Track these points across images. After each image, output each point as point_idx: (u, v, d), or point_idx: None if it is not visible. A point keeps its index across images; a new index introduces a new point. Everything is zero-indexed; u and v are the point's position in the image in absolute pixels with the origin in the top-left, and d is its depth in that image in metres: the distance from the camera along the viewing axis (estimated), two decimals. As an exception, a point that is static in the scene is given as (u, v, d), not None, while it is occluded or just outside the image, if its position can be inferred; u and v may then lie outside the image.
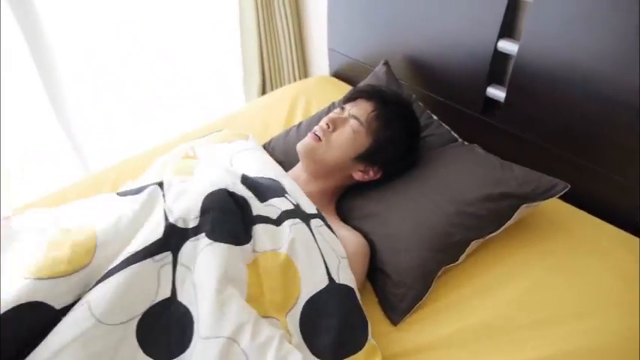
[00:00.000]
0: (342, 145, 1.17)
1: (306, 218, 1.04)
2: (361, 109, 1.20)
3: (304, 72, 2.15)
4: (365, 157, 1.18)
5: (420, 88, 1.60)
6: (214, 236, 0.91)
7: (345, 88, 1.67)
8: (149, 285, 0.85)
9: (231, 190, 1.00)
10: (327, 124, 1.18)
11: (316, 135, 1.18)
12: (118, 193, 1.03)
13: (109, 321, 0.81)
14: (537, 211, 1.22)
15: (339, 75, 1.92)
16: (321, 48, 1.98)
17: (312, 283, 0.95)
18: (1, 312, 0.76)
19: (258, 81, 2.11)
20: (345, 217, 1.23)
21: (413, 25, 1.52)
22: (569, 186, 1.13)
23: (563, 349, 0.96)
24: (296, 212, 1.04)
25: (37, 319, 0.79)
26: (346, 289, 0.98)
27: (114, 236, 0.89)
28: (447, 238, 1.10)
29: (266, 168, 1.19)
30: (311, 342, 0.91)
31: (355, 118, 1.18)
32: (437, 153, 1.31)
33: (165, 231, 0.89)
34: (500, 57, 1.35)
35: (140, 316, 0.83)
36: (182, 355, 0.83)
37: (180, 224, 0.91)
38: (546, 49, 1.22)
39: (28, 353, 0.77)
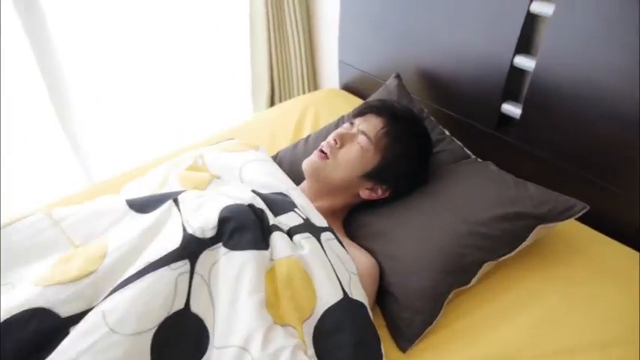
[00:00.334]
0: (350, 163, 1.14)
1: (316, 232, 1.02)
2: (371, 124, 1.17)
3: (314, 84, 2.14)
4: (373, 176, 1.15)
5: (432, 102, 1.57)
6: (232, 245, 0.91)
7: (355, 102, 1.66)
8: (166, 293, 0.84)
9: (249, 202, 1.00)
10: (335, 140, 1.16)
11: (323, 152, 1.16)
12: (128, 202, 1.02)
13: (123, 331, 0.79)
14: (553, 232, 1.17)
15: (349, 88, 1.89)
16: (332, 60, 1.96)
17: (327, 294, 0.92)
18: (3, 319, 0.78)
19: (267, 92, 2.09)
20: (352, 235, 1.19)
21: (426, 38, 1.50)
22: (588, 207, 1.09)
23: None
24: (306, 226, 1.02)
25: (40, 326, 0.80)
26: (360, 305, 0.95)
27: (125, 245, 0.90)
28: (459, 259, 1.06)
29: (276, 181, 1.16)
30: (324, 357, 0.88)
31: (364, 134, 1.15)
32: (449, 170, 1.27)
33: (182, 241, 0.89)
34: (516, 73, 1.31)
35: (156, 329, 0.82)
36: None
37: (198, 234, 0.91)
38: (564, 65, 1.18)
39: None
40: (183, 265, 0.87)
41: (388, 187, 1.17)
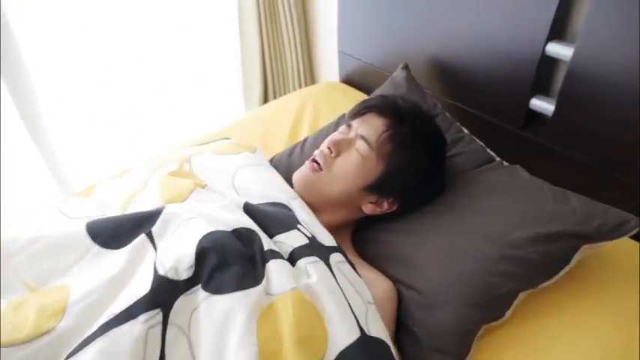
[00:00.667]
0: (348, 175, 1.00)
1: (324, 253, 0.88)
2: (371, 127, 1.01)
3: (311, 77, 2.07)
4: (376, 188, 1.00)
5: (446, 97, 1.42)
6: (213, 288, 0.77)
7: (358, 96, 1.59)
8: (135, 352, 0.70)
9: (233, 226, 0.87)
10: (330, 148, 1.02)
11: (315, 163, 1.01)
12: (90, 232, 0.86)
13: None
14: (599, 250, 1.00)
15: (350, 81, 1.80)
16: (331, 50, 1.87)
17: (340, 333, 0.77)
18: None
19: (260, 87, 2.00)
20: (360, 255, 1.05)
21: (438, 22, 1.35)
22: (644, 222, 0.94)
23: None
24: (312, 247, 0.89)
25: None
26: (381, 345, 0.81)
27: (91, 295, 0.77)
28: (490, 290, 0.91)
29: (274, 190, 1.03)
30: None
31: (364, 139, 1.00)
32: (472, 177, 1.11)
33: (152, 286, 0.76)
34: (548, 62, 1.15)
35: None
36: None
37: (171, 275, 0.77)
38: (607, 52, 1.02)
39: None
40: (155, 316, 0.73)
41: (395, 200, 1.02)
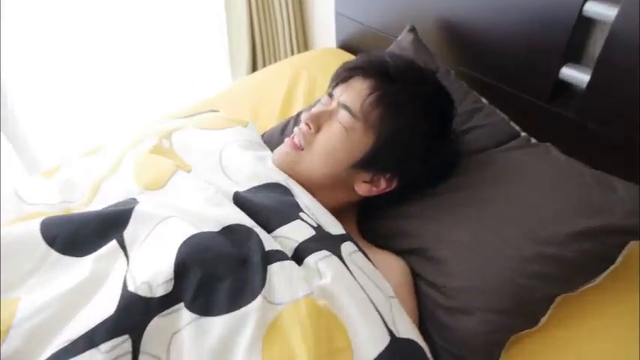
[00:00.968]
0: (332, 152, 0.88)
1: (335, 245, 0.79)
2: (354, 92, 0.88)
3: (304, 43, 2.00)
4: (368, 164, 0.88)
5: (459, 65, 1.30)
6: (199, 308, 0.66)
7: None
8: None
9: (222, 224, 0.76)
10: (308, 124, 0.90)
11: (295, 142, 0.91)
12: (45, 235, 0.73)
13: None
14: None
15: (348, 46, 1.71)
16: (326, 12, 1.81)
17: (367, 341, 0.68)
18: None
19: (248, 54, 1.92)
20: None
21: None
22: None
23: None
24: (321, 239, 0.79)
25: None
26: (414, 348, 0.72)
27: (41, 313, 0.65)
28: (523, 294, 0.80)
29: (267, 168, 0.92)
30: None
31: (345, 107, 0.87)
32: (494, 156, 0.99)
33: (119, 305, 0.65)
34: (583, 24, 1.03)
35: None
36: None
37: (142, 292, 0.66)
38: None
39: None
40: (122, 344, 0.62)
41: (393, 176, 0.90)
